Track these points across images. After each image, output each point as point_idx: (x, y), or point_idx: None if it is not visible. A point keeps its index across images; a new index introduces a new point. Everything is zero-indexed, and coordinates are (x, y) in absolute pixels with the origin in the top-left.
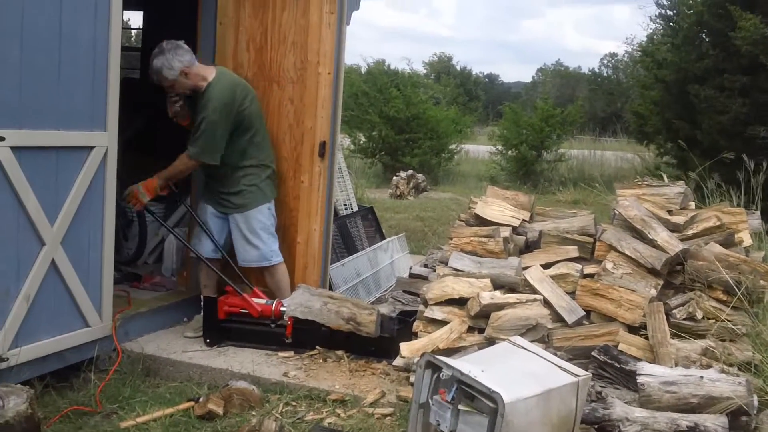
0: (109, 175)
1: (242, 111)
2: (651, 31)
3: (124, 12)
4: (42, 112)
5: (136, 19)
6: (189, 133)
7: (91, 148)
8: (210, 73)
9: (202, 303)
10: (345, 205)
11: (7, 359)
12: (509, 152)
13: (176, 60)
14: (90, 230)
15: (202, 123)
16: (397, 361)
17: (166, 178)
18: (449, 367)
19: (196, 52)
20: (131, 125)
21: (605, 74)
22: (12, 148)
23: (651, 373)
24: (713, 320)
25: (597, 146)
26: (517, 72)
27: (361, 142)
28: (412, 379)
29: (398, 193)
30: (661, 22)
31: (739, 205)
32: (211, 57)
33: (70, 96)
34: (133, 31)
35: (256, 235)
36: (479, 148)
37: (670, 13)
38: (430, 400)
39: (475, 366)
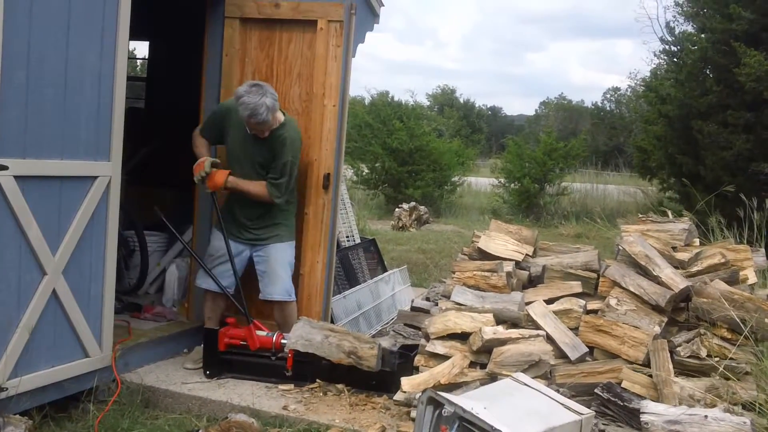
0: (112, 205)
1: None
2: (654, 66)
3: (130, 42)
4: (46, 141)
5: (141, 49)
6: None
7: (95, 177)
8: (279, 113)
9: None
10: (347, 237)
11: (7, 389)
12: (512, 185)
13: (275, 100)
14: (92, 260)
15: (287, 165)
16: (398, 396)
17: (237, 188)
18: (451, 403)
19: (201, 83)
20: (135, 155)
21: (608, 108)
22: (15, 177)
23: (655, 412)
24: (718, 358)
25: (599, 180)
26: (520, 105)
27: (364, 173)
28: (413, 414)
29: (400, 225)
30: (665, 57)
31: (742, 242)
32: (217, 88)
33: (75, 125)
34: (138, 61)
35: (285, 269)
36: (481, 181)
37: (674, 48)
38: None
39: (477, 403)
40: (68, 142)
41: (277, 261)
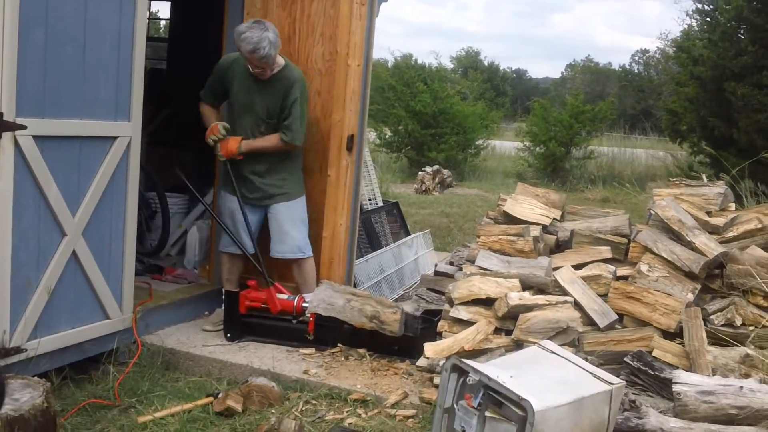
0: (132, 165)
1: None
2: (686, 26)
3: (153, 3)
4: (65, 100)
5: (165, 9)
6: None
7: (115, 138)
8: (279, 57)
9: (223, 297)
10: (370, 199)
11: (26, 350)
12: (537, 149)
13: (278, 37)
14: (112, 221)
15: (295, 105)
16: (421, 362)
17: (251, 149)
18: (476, 371)
19: (222, 43)
20: (157, 117)
21: (636, 71)
22: (34, 137)
23: (687, 382)
24: (753, 327)
25: (627, 144)
26: (545, 68)
27: (387, 136)
28: (436, 380)
29: (423, 189)
30: (698, 17)
31: None
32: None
33: (94, 85)
34: (162, 22)
35: (296, 226)
36: (506, 144)
37: (707, 8)
38: (455, 405)
39: (503, 371)
40: (87, 102)
41: (285, 219)
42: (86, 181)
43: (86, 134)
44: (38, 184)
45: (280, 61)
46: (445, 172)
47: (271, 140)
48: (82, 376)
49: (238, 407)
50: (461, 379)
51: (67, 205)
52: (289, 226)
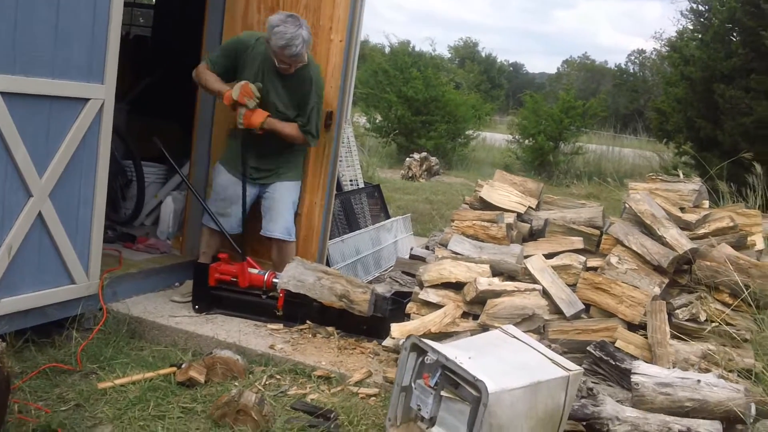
0: (105, 129)
1: None
2: (681, 27)
3: None
4: (37, 58)
5: None
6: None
7: (87, 100)
8: None
9: None
10: (351, 180)
11: None
12: (526, 141)
13: (311, 35)
14: (81, 185)
15: (317, 106)
16: (387, 342)
17: (272, 128)
18: (434, 351)
19: (204, 12)
20: (139, 85)
21: (631, 70)
22: (3, 93)
23: (646, 373)
24: (717, 323)
25: (616, 143)
26: (543, 63)
27: (377, 121)
28: None
29: (410, 175)
30: (692, 17)
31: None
32: (220, 18)
33: (67, 44)
34: None
35: (288, 208)
36: (497, 137)
37: (701, 8)
38: (413, 384)
39: (462, 352)
40: (60, 62)
41: (282, 199)
42: (55, 143)
43: (57, 94)
44: (5, 142)
45: (305, 57)
46: (433, 159)
47: (292, 128)
48: (44, 340)
49: (201, 378)
50: (420, 359)
51: (35, 166)
52: (284, 207)
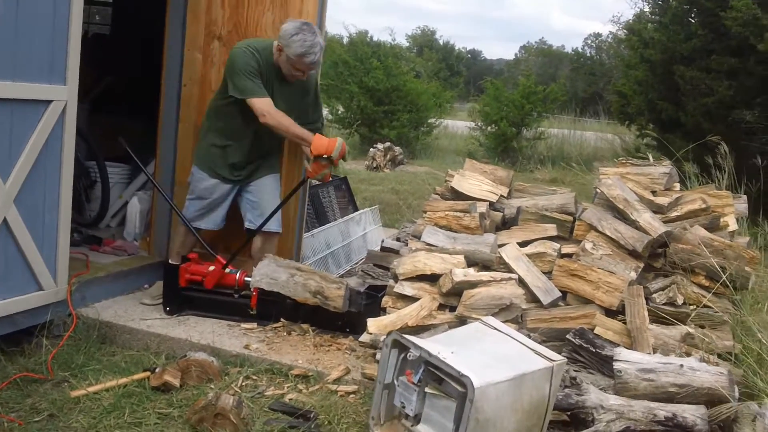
0: (68, 131)
1: None
2: (638, 10)
3: None
4: None
5: None
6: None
7: (49, 102)
8: None
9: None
10: None
11: None
12: (489, 128)
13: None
14: (46, 189)
15: (319, 95)
16: (364, 338)
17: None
18: (417, 347)
19: (166, 7)
20: (99, 84)
21: (588, 54)
22: None
23: (628, 360)
24: (694, 306)
25: (577, 126)
26: (500, 49)
27: (339, 112)
28: (379, 356)
29: (374, 165)
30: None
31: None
32: (182, 12)
33: (27, 44)
34: None
35: (277, 201)
36: (458, 124)
37: None
38: (395, 381)
39: (444, 347)
40: (20, 63)
41: (271, 192)
42: (18, 147)
43: (18, 96)
44: None
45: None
46: (397, 149)
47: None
48: (13, 349)
49: (176, 382)
50: (402, 355)
51: None
52: (274, 201)
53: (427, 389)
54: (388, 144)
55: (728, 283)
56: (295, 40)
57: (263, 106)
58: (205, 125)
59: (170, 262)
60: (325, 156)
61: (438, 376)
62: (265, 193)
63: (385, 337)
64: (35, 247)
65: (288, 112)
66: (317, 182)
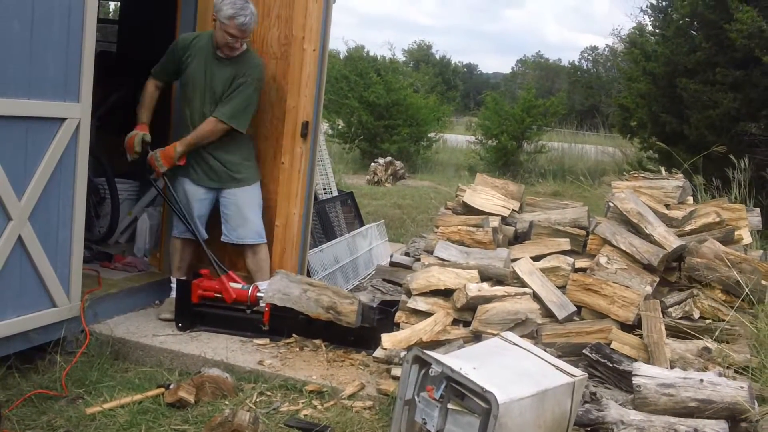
0: (82, 149)
1: None
2: (638, 22)
3: None
4: (11, 79)
5: None
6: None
7: (63, 119)
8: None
9: (172, 285)
10: (324, 189)
11: None
12: (489, 142)
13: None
14: (60, 206)
15: (243, 85)
16: (378, 353)
17: (188, 144)
18: (439, 363)
19: (176, 23)
20: (106, 101)
21: (585, 67)
22: None
23: (647, 375)
24: (710, 320)
25: (577, 139)
26: (496, 63)
27: (340, 127)
28: (393, 371)
29: (376, 180)
30: (651, 13)
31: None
32: (191, 28)
33: (42, 64)
34: (111, 4)
35: (253, 211)
36: (457, 138)
37: (662, 3)
38: (416, 397)
39: (466, 362)
40: (35, 81)
41: (245, 203)
42: (33, 164)
43: (33, 114)
44: None
45: (245, 45)
46: (398, 163)
47: (208, 126)
48: (27, 366)
49: (191, 398)
50: (422, 371)
51: (13, 189)
52: (248, 211)
53: (449, 405)
54: (389, 158)
55: (744, 297)
56: (226, 3)
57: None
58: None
59: (172, 276)
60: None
61: (460, 392)
62: (239, 206)
63: (404, 352)
64: (49, 264)
65: (205, 89)
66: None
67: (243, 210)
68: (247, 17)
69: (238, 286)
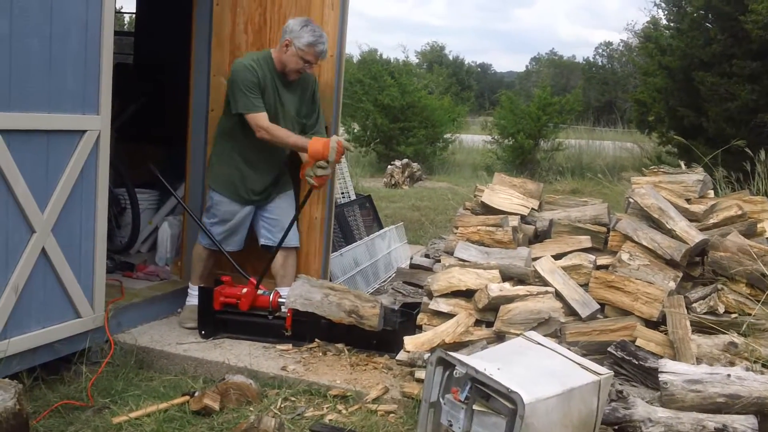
0: (102, 160)
1: None
2: (651, 17)
3: None
4: (32, 93)
5: (129, 5)
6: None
7: (83, 132)
8: None
9: (190, 291)
10: (342, 193)
11: None
12: (506, 141)
13: None
14: (82, 217)
15: (317, 98)
16: (401, 356)
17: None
18: (463, 364)
19: (191, 35)
20: (124, 112)
21: (600, 63)
22: (1, 131)
23: (674, 371)
24: (736, 314)
25: (594, 136)
26: (508, 61)
27: (356, 130)
28: (417, 374)
29: (393, 182)
30: (665, 6)
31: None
32: (207, 40)
33: (61, 77)
34: (126, 17)
35: (293, 215)
36: (473, 138)
37: None
38: (441, 399)
39: (490, 363)
40: (55, 95)
41: (287, 210)
42: (55, 177)
43: (54, 128)
44: (5, 179)
45: None
46: (415, 165)
47: (304, 142)
48: (54, 377)
49: (216, 406)
50: (447, 373)
51: (36, 201)
52: (290, 215)
53: (474, 407)
54: (405, 160)
55: None
56: (306, 31)
57: (259, 121)
58: (219, 147)
59: (191, 283)
60: (323, 160)
61: (485, 393)
62: (282, 210)
63: (427, 355)
64: (73, 275)
65: (296, 112)
66: (315, 185)
67: (285, 216)
68: (325, 44)
69: (260, 292)
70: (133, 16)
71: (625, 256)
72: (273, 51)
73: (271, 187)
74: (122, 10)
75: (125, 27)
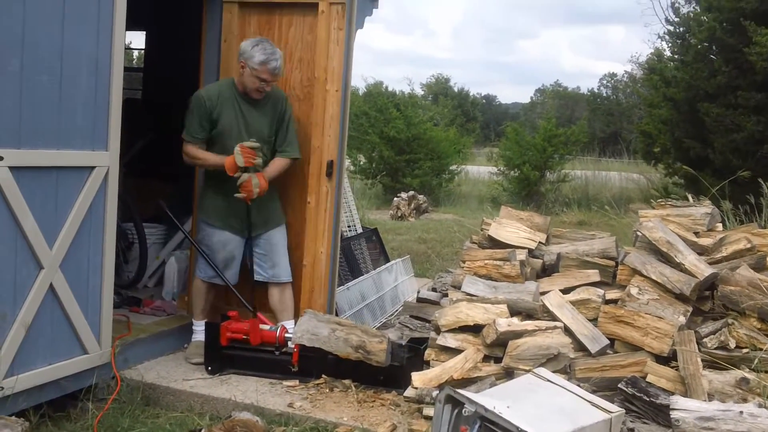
0: (110, 196)
1: None
2: (655, 49)
3: (126, 32)
4: (42, 130)
5: (137, 41)
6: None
7: (92, 168)
8: None
9: (195, 327)
10: (349, 226)
11: (2, 388)
12: (512, 173)
13: None
14: (90, 253)
15: (291, 120)
16: (409, 392)
17: (270, 178)
18: (472, 402)
19: (199, 70)
20: (132, 147)
21: (604, 94)
22: (11, 168)
23: (686, 408)
24: (747, 349)
25: (599, 167)
26: (513, 93)
27: (362, 163)
28: (425, 411)
29: (399, 215)
30: (670, 39)
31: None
32: (215, 75)
33: (71, 114)
34: (135, 52)
35: (285, 252)
36: (479, 169)
37: (679, 29)
38: None
39: (499, 401)
40: (64, 132)
41: (279, 244)
42: (63, 213)
43: (63, 164)
44: (14, 215)
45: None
46: (421, 197)
47: (278, 164)
48: (60, 414)
49: None
50: (456, 411)
51: (44, 237)
52: (283, 251)
53: None
54: (411, 192)
55: None
56: (257, 50)
57: (185, 147)
58: (204, 177)
59: (195, 318)
60: (240, 168)
61: (495, 431)
62: (273, 246)
63: (436, 392)
64: (80, 311)
65: (262, 130)
66: (243, 196)
67: (279, 249)
68: (278, 61)
69: (266, 327)
70: (142, 51)
71: (634, 291)
72: (235, 76)
73: (258, 218)
74: (131, 46)
75: (134, 62)
